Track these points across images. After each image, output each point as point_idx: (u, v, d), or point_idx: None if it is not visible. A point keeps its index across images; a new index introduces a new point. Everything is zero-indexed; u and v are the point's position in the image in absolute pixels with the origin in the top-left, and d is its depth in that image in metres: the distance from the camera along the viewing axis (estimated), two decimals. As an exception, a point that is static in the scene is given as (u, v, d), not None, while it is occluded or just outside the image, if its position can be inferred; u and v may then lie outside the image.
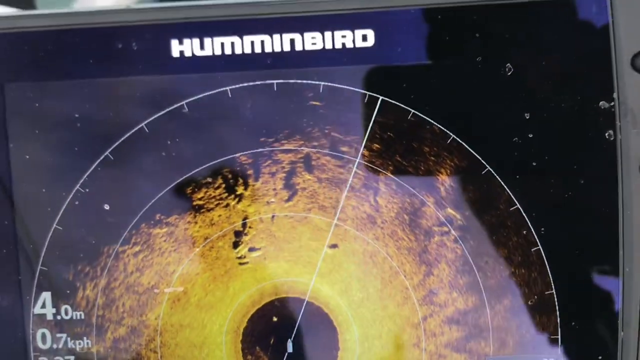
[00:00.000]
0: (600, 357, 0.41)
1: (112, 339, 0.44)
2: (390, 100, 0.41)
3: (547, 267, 0.41)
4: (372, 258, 0.43)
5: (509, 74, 0.40)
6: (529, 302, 0.42)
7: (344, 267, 0.43)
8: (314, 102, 0.41)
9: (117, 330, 0.44)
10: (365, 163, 0.42)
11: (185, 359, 0.44)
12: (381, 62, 0.41)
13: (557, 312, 0.41)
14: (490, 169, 0.41)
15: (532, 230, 0.41)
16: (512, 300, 0.42)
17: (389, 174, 0.42)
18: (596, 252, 0.41)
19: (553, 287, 0.41)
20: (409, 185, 0.42)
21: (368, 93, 0.41)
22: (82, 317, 0.44)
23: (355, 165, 0.42)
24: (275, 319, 0.43)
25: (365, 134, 0.42)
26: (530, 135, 0.41)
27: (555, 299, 0.41)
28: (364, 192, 0.42)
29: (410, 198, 0.42)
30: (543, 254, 0.41)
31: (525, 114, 0.41)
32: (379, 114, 0.41)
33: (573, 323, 0.41)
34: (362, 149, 0.42)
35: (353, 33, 0.41)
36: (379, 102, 0.41)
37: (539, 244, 0.41)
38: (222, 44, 0.41)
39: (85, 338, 0.44)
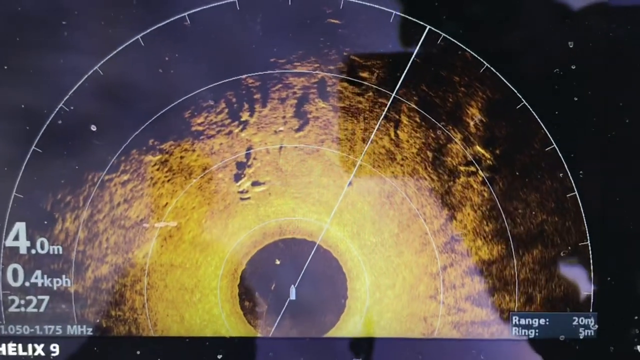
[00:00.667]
0: (636, 318, 0.37)
1: (92, 278, 0.39)
2: (419, 22, 0.36)
3: (583, 215, 0.37)
4: (389, 198, 0.38)
5: (554, -4, 0.36)
6: (561, 254, 0.37)
7: (357, 208, 0.38)
8: (333, 20, 0.37)
9: (99, 269, 0.39)
10: (387, 92, 0.37)
11: (174, 303, 0.39)
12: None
13: (592, 266, 0.37)
14: (526, 103, 0.37)
15: (569, 173, 0.37)
16: (542, 250, 0.37)
17: (413, 105, 0.37)
18: (638, 202, 0.37)
19: (588, 238, 0.37)
20: (434, 119, 0.37)
21: (394, 12, 0.36)
22: (60, 251, 0.39)
23: (377, 94, 0.37)
24: (278, 262, 0.39)
25: (388, 60, 0.37)
26: (573, 67, 0.36)
27: (590, 252, 0.37)
28: (384, 124, 0.38)
29: (435, 133, 0.38)
30: (579, 201, 0.37)
31: (569, 42, 0.36)
32: (405, 37, 0.37)
33: (609, 278, 0.37)
34: (387, 76, 0.37)
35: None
36: (405, 23, 0.36)
37: (575, 189, 0.37)
38: (233, -52, 0.36)
39: (63, 276, 0.39)
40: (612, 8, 0.36)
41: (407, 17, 0.37)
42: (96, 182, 0.38)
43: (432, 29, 0.37)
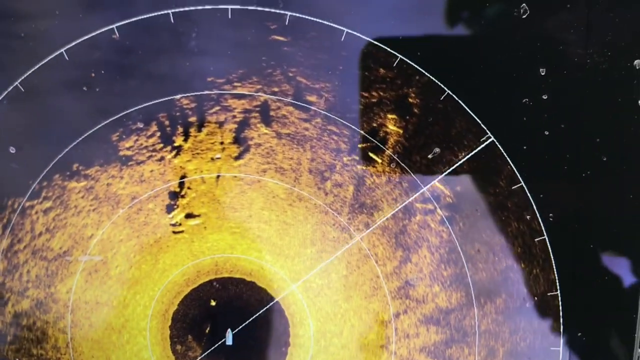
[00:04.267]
0: (609, 378, 0.33)
1: (12, 313, 0.35)
2: (373, 42, 0.32)
3: (553, 262, 0.33)
4: (340, 236, 0.34)
5: (524, 16, 0.32)
6: (527, 304, 0.33)
7: (303, 247, 0.34)
8: (278, 37, 0.33)
9: (19, 303, 0.35)
10: (336, 117, 0.33)
11: (100, 344, 0.35)
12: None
13: (561, 319, 0.33)
14: (492, 137, 0.32)
15: (538, 215, 0.32)
16: (507, 300, 0.33)
17: (364, 133, 0.33)
18: (615, 248, 0.33)
19: (558, 287, 0.33)
20: (389, 148, 0.33)
21: (346, 30, 0.32)
22: (-24, 284, 0.35)
23: (325, 120, 0.33)
24: (213, 302, 0.35)
25: (336, 82, 0.33)
26: (545, 97, 0.32)
27: (560, 302, 0.33)
28: (331, 154, 0.34)
29: (389, 166, 0.34)
30: (549, 246, 0.33)
31: (541, 70, 0.32)
32: (361, 57, 0.33)
33: (579, 334, 0.33)
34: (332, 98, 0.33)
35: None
36: (359, 42, 0.32)
37: (544, 232, 0.33)
38: (166, -47, 0.32)
39: (-20, 310, 0.35)
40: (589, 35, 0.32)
41: (360, 36, 0.32)
42: (16, 209, 0.35)
43: (388, 49, 0.32)
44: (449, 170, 0.33)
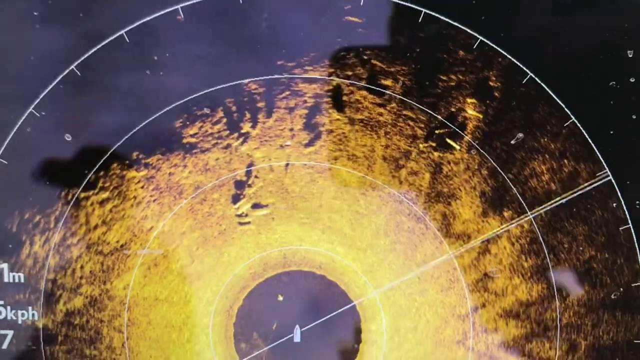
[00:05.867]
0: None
1: (64, 311, 0.33)
2: (453, 24, 0.31)
3: (638, 251, 0.31)
4: (415, 227, 0.33)
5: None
6: (612, 296, 0.32)
7: (376, 238, 0.33)
8: (352, 18, 0.31)
9: (71, 301, 0.33)
10: (412, 102, 0.32)
11: (159, 343, 0.33)
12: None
13: (646, 311, 0.32)
14: (575, 120, 0.31)
15: (623, 203, 0.31)
16: (590, 292, 0.32)
17: (442, 118, 0.32)
18: None
19: (643, 278, 0.32)
20: (474, 140, 0.32)
21: (424, 11, 0.31)
22: (25, 280, 0.33)
23: (401, 105, 0.32)
24: (280, 297, 0.33)
25: (413, 65, 0.32)
26: (632, 80, 0.31)
27: (645, 294, 0.32)
28: (406, 140, 0.32)
29: (468, 152, 0.32)
30: (634, 235, 0.31)
31: (628, 52, 0.31)
32: (440, 39, 0.31)
33: (665, 326, 0.32)
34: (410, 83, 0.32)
35: None
36: (436, 24, 0.31)
37: (629, 221, 0.31)
38: None
39: (29, 308, 0.33)
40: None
41: (439, 16, 0.31)
42: (70, 200, 0.33)
43: (468, 30, 0.31)
44: (555, 204, 0.32)
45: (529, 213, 0.32)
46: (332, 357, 0.34)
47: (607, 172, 0.32)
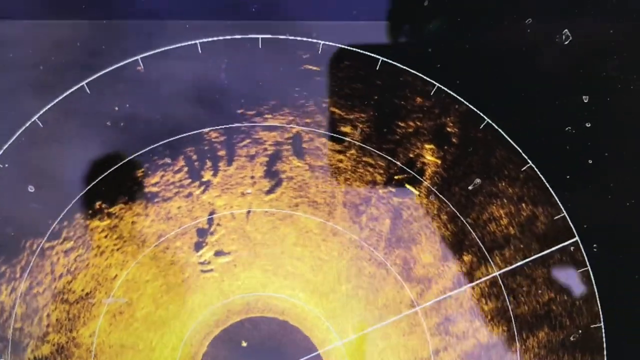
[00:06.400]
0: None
1: (32, 358, 0.33)
2: (411, 71, 0.31)
3: (596, 294, 0.32)
4: (377, 272, 0.33)
5: (566, 42, 0.31)
6: (571, 338, 0.32)
7: (338, 283, 0.33)
8: (310, 66, 0.31)
9: (39, 349, 0.34)
10: (372, 148, 0.32)
11: (125, 390, 0.34)
12: (401, 19, 0.31)
13: (605, 352, 0.32)
14: (533, 165, 0.31)
15: (581, 247, 0.32)
16: (549, 333, 0.32)
17: (401, 164, 0.32)
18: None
19: (602, 319, 0.32)
20: (427, 180, 0.32)
21: (381, 59, 0.31)
22: (-7, 330, 0.33)
23: (360, 152, 0.32)
24: (244, 344, 0.34)
25: (371, 112, 0.32)
26: (588, 125, 0.31)
27: (604, 336, 0.32)
28: (366, 186, 0.32)
29: (427, 198, 0.32)
30: (592, 277, 0.32)
31: (584, 97, 0.31)
32: (397, 86, 0.32)
33: (625, 367, 0.32)
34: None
35: (365, -22, 0.31)
36: (395, 71, 0.31)
37: (587, 264, 0.32)
38: (194, -18, 0.31)
39: (-2, 357, 0.34)
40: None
41: (396, 64, 0.31)
42: (35, 250, 0.33)
43: (425, 77, 0.31)
44: (519, 264, 0.32)
45: (496, 272, 0.33)
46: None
47: (564, 214, 0.32)
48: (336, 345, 0.34)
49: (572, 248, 0.33)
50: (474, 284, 0.33)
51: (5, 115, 0.33)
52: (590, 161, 0.32)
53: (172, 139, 0.33)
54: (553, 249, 0.33)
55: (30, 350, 0.34)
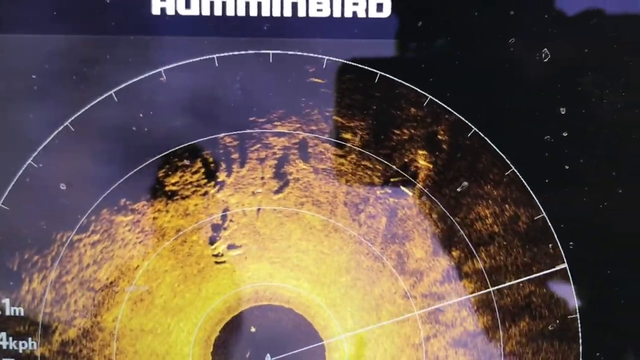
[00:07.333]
0: (627, 397, 0.35)
1: (60, 341, 0.37)
2: (405, 84, 0.35)
3: (572, 287, 0.35)
4: (374, 265, 0.36)
5: (545, 60, 0.34)
6: (550, 327, 0.35)
7: (338, 275, 0.36)
8: (315, 79, 0.35)
9: (66, 332, 0.37)
10: (370, 153, 0.36)
11: (144, 370, 0.37)
12: (398, 37, 0.35)
13: (580, 341, 0.35)
14: (515, 170, 0.35)
15: (559, 244, 0.35)
16: (530, 323, 0.36)
17: (396, 168, 0.36)
18: (631, 274, 0.35)
19: (577, 311, 0.35)
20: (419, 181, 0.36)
21: (380, 73, 0.35)
22: (24, 313, 0.37)
23: (360, 156, 0.36)
24: (253, 329, 0.37)
25: (370, 121, 0.35)
26: (565, 134, 0.34)
27: (579, 326, 0.35)
28: (365, 187, 0.36)
29: (419, 199, 0.36)
30: (569, 272, 0.35)
31: (561, 109, 0.34)
32: (393, 98, 0.35)
33: (598, 354, 0.35)
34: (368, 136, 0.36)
35: (366, 0, 0.35)
36: (391, 84, 0.35)
37: (565, 260, 0.35)
38: (212, 3, 0.35)
39: (29, 338, 0.37)
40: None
41: (393, 78, 0.35)
42: (65, 242, 0.37)
43: (418, 90, 0.35)
44: (510, 283, 0.35)
45: (487, 285, 0.36)
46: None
47: (543, 215, 0.36)
48: (339, 338, 0.37)
49: (550, 246, 0.36)
50: (467, 296, 0.36)
51: (41, 120, 0.36)
52: (567, 167, 0.35)
53: (190, 143, 0.36)
54: (534, 249, 0.36)
55: (58, 334, 0.38)
